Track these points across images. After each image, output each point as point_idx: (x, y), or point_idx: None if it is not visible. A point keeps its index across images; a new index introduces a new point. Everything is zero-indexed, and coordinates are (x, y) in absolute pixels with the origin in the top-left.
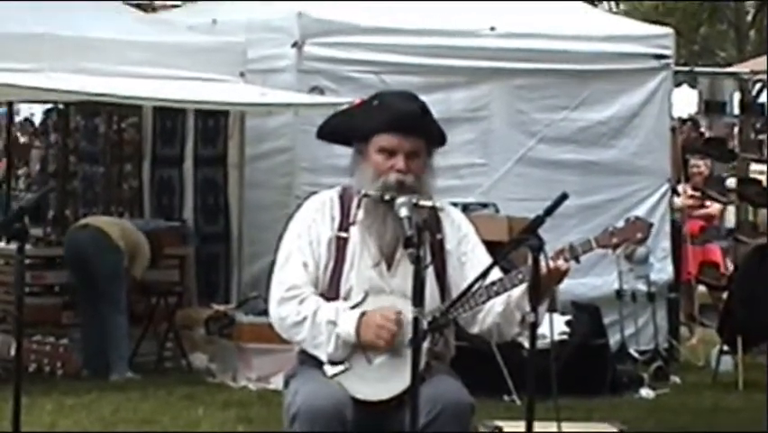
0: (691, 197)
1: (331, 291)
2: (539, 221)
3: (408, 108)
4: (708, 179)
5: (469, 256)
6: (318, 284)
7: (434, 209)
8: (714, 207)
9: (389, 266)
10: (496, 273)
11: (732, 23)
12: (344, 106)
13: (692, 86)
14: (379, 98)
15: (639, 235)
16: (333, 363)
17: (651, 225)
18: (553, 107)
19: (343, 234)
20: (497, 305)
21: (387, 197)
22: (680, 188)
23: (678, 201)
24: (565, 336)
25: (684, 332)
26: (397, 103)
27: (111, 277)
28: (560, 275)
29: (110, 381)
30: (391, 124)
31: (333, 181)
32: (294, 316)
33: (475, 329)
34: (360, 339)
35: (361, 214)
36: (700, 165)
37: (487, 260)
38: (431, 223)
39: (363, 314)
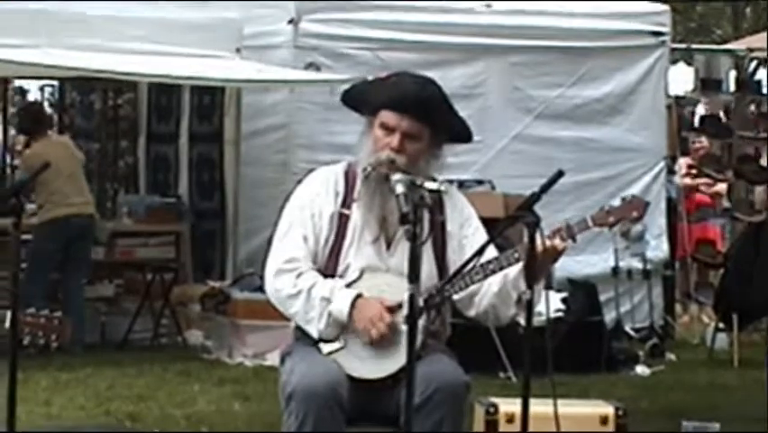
0: (687, 174)
1: (329, 267)
2: (535, 198)
3: (414, 90)
4: (705, 157)
5: (470, 240)
6: (317, 259)
7: (437, 192)
8: (721, 185)
9: (389, 245)
10: (492, 251)
11: (728, 0)
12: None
13: (689, 63)
14: (396, 76)
15: (635, 214)
16: (326, 340)
17: (647, 204)
18: (549, 84)
19: (346, 211)
20: (493, 285)
21: (378, 171)
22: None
23: (677, 179)
24: (561, 314)
25: (679, 309)
26: (406, 83)
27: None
28: (556, 254)
29: (105, 356)
30: (394, 101)
31: (329, 158)
32: (290, 288)
33: (471, 312)
34: (351, 321)
35: (360, 189)
36: (703, 141)
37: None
38: (434, 204)
39: (359, 295)
